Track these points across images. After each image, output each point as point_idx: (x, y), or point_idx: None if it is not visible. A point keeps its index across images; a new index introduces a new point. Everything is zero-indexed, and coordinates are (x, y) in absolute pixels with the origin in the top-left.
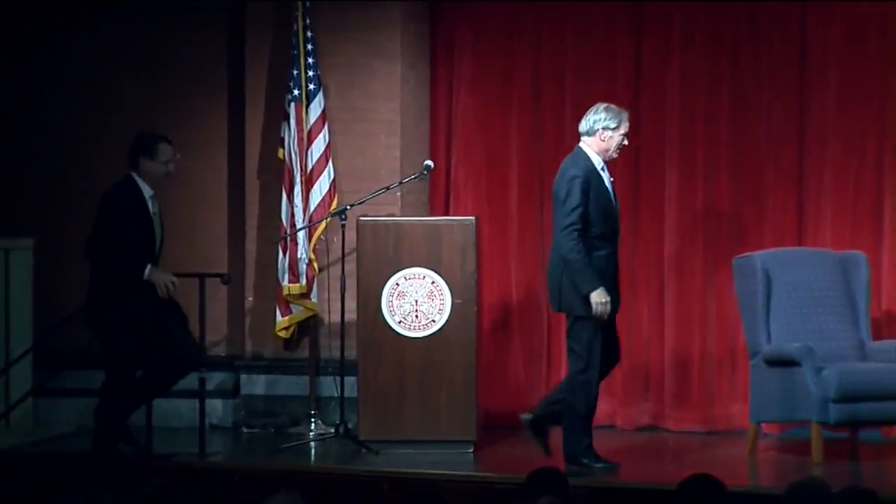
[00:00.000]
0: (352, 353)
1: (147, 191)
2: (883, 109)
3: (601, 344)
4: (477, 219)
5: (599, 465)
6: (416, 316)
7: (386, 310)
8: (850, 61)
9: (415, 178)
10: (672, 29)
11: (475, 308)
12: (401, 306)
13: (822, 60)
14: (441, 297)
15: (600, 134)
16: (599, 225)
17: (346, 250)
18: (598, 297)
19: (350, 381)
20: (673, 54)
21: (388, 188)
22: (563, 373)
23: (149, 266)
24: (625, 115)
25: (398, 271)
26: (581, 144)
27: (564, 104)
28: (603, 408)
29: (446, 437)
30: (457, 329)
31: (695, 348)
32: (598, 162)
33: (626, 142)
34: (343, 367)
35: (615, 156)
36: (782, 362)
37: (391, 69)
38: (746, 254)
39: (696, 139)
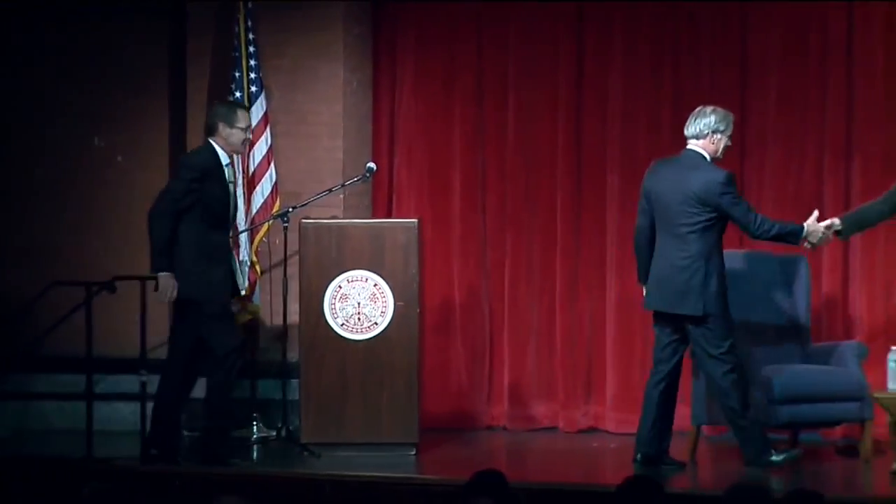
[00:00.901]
0: (294, 355)
1: (224, 158)
2: (823, 112)
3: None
4: (419, 221)
5: (780, 457)
6: (359, 318)
7: (328, 312)
8: (790, 64)
9: (357, 180)
10: (614, 31)
11: (417, 310)
12: (343, 309)
13: (762, 63)
14: (383, 300)
15: (711, 137)
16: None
17: (289, 253)
18: (811, 227)
19: (292, 383)
20: (615, 57)
21: (330, 190)
22: (505, 374)
23: (167, 273)
24: (731, 117)
25: (341, 273)
26: (692, 147)
27: (507, 106)
28: (544, 410)
29: (388, 440)
30: (399, 331)
31: (636, 350)
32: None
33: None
34: (285, 370)
35: (721, 157)
36: None
37: (334, 71)
38: None
39: (638, 141)
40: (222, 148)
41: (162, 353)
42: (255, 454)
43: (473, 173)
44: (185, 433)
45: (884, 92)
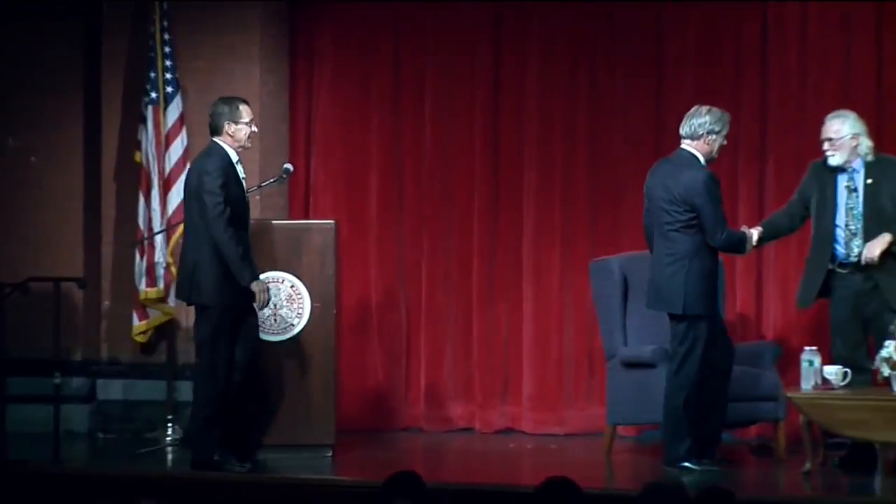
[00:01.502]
0: None
1: (234, 155)
2: (738, 113)
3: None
4: (336, 222)
5: (698, 466)
6: (275, 320)
7: None
8: (705, 65)
9: (274, 181)
10: (530, 32)
11: (334, 312)
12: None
13: (677, 64)
14: (300, 301)
15: (705, 138)
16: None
17: None
18: (748, 234)
19: None
20: (531, 57)
21: (247, 191)
22: (422, 375)
23: (259, 280)
24: (727, 116)
25: None
26: (685, 147)
27: (424, 108)
28: (461, 411)
29: (305, 441)
30: (316, 333)
31: (553, 351)
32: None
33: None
34: None
35: (716, 158)
36: (638, 365)
37: (250, 71)
38: (603, 257)
39: (555, 142)
40: (230, 146)
41: (77, 355)
42: (169, 456)
43: (390, 175)
44: (100, 435)
45: (797, 93)
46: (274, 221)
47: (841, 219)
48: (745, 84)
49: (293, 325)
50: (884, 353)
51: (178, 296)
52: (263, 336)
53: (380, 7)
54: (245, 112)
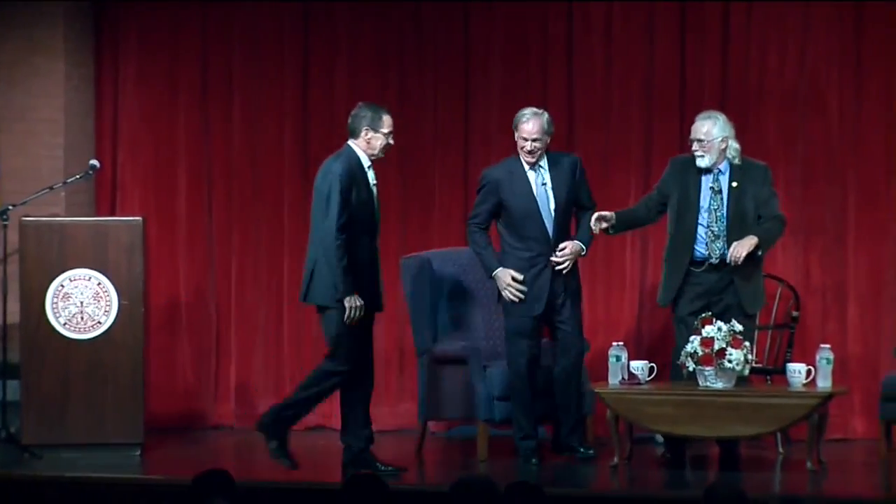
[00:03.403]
0: (15, 356)
1: (366, 160)
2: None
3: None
4: (144, 219)
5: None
6: (82, 318)
7: (50, 312)
8: (512, 63)
9: (79, 177)
10: (339, 31)
11: (142, 309)
12: (66, 308)
13: (485, 61)
14: (107, 299)
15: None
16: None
17: (9, 251)
18: (500, 274)
19: (13, 384)
20: (340, 56)
21: (51, 188)
22: (233, 372)
23: (352, 296)
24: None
25: (63, 272)
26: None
27: (232, 104)
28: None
29: (113, 440)
30: (124, 330)
31: None
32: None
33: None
34: (5, 371)
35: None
36: (449, 361)
37: (54, 67)
38: (414, 253)
39: None
40: (364, 151)
41: None
42: None
43: (199, 172)
44: None
45: (602, 90)
46: (80, 218)
47: (704, 220)
48: (552, 82)
49: (100, 322)
50: (689, 347)
51: (301, 297)
52: (70, 334)
53: (186, 6)
54: (387, 123)
